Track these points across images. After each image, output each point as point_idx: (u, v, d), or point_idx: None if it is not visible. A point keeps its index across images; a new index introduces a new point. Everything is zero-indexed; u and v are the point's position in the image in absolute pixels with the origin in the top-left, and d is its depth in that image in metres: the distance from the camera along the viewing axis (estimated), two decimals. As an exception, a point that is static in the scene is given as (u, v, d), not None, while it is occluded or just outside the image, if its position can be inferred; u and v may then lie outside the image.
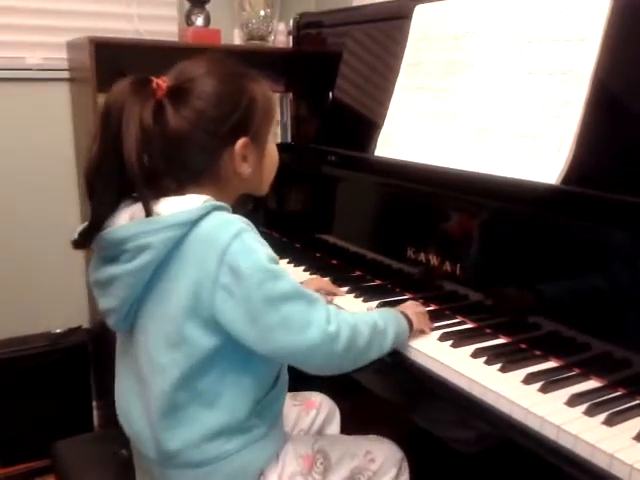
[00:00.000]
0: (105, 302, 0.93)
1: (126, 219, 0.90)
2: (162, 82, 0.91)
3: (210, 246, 0.86)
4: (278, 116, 1.01)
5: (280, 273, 0.89)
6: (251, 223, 0.91)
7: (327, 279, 1.36)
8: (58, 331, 2.08)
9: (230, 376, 0.92)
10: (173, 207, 0.88)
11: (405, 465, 1.13)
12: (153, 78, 0.91)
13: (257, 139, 0.97)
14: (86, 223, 0.92)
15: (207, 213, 0.88)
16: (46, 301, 2.14)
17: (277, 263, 0.90)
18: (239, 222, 0.89)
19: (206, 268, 0.85)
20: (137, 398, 0.96)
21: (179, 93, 0.91)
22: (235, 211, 0.93)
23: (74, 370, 2.05)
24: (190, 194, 0.91)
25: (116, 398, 1.02)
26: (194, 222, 0.87)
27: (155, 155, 0.90)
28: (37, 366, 1.98)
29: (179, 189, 0.93)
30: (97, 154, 0.89)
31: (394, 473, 1.11)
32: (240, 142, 0.94)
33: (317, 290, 1.28)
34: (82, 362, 2.08)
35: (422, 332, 1.11)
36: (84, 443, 1.35)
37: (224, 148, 0.94)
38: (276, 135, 1.05)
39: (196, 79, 0.92)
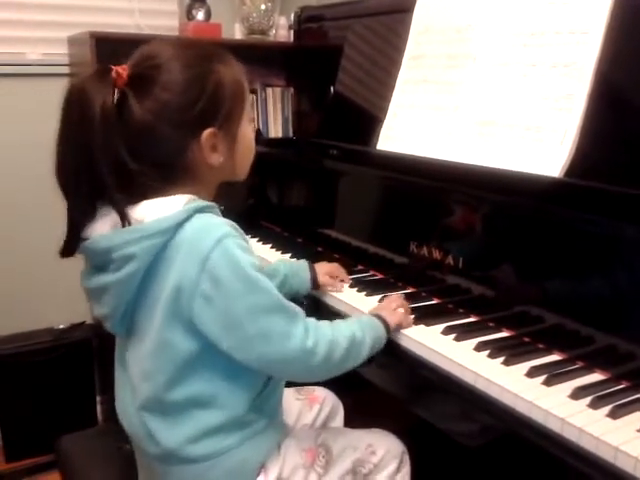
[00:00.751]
0: (99, 309, 0.92)
1: (109, 226, 0.88)
2: (122, 70, 0.87)
3: (191, 252, 0.84)
4: (251, 98, 0.95)
5: (261, 284, 0.88)
6: (237, 226, 0.90)
7: (337, 264, 1.36)
8: (62, 327, 2.08)
9: (221, 377, 0.92)
10: (154, 211, 0.86)
11: (406, 458, 1.14)
12: (112, 67, 0.87)
13: (227, 127, 0.93)
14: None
15: (189, 217, 0.86)
16: (50, 297, 2.14)
17: (260, 271, 0.89)
18: (223, 226, 0.87)
19: (187, 274, 0.84)
20: (131, 399, 0.95)
21: (141, 82, 0.87)
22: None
23: (78, 365, 2.06)
24: (169, 194, 0.89)
25: (115, 398, 1.02)
26: (176, 227, 0.85)
27: (121, 150, 0.85)
28: (41, 362, 1.99)
29: (157, 189, 0.89)
30: (62, 152, 0.87)
31: (395, 466, 1.11)
32: (206, 133, 0.90)
33: (326, 274, 1.30)
34: (86, 357, 2.09)
35: (400, 326, 1.10)
36: (88, 438, 1.35)
37: (190, 140, 0.90)
38: (253, 119, 1.01)
39: (159, 66, 0.87)
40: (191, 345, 0.88)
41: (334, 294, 1.28)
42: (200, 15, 2.07)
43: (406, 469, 1.13)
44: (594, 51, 1.07)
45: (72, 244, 0.90)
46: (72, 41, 1.98)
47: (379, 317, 1.08)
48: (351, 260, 1.46)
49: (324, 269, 1.31)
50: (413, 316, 1.14)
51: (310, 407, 1.25)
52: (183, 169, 0.91)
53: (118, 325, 0.92)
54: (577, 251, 1.01)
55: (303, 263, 1.30)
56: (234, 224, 0.90)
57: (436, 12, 1.40)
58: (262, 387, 0.98)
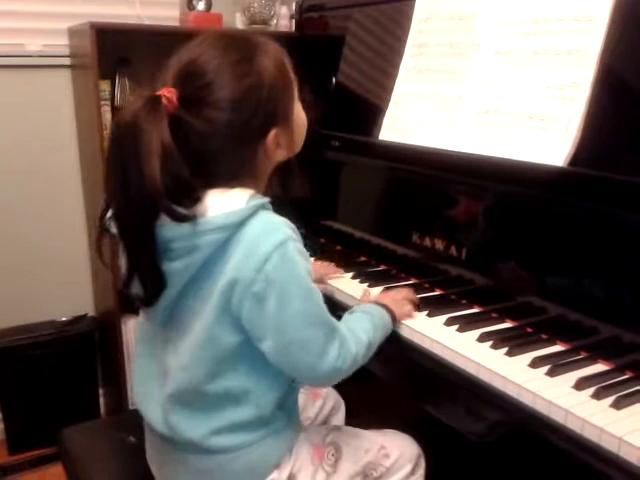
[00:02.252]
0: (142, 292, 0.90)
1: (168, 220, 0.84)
2: (169, 94, 0.83)
3: (252, 251, 0.83)
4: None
5: (314, 293, 0.88)
6: (295, 227, 0.89)
7: (332, 264, 1.35)
8: (64, 319, 2.08)
9: (256, 373, 0.92)
10: (216, 206, 0.85)
11: (422, 461, 1.12)
12: (160, 94, 0.83)
13: (285, 119, 0.92)
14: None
15: (254, 213, 0.85)
16: (52, 289, 2.14)
17: (312, 278, 0.89)
18: (285, 228, 0.86)
19: (243, 272, 0.83)
20: (158, 388, 0.95)
21: (195, 104, 0.84)
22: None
23: (80, 358, 2.06)
24: (232, 190, 0.87)
25: (134, 383, 1.02)
26: (240, 223, 0.84)
27: (181, 171, 0.81)
28: (43, 354, 1.99)
29: (218, 187, 0.88)
30: (117, 188, 0.83)
31: (409, 469, 1.10)
32: (271, 135, 0.89)
33: (320, 277, 1.28)
34: (88, 350, 2.09)
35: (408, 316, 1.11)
36: (91, 430, 1.35)
37: (256, 146, 0.90)
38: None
39: (210, 84, 0.84)
40: (235, 339, 0.88)
41: (339, 287, 1.27)
42: (201, 5, 2.05)
43: (420, 472, 1.12)
44: (598, 38, 1.06)
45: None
46: (72, 32, 1.97)
47: (387, 309, 1.07)
48: (353, 251, 1.46)
49: (319, 271, 1.29)
50: (422, 311, 1.13)
51: (313, 401, 1.26)
52: (246, 172, 0.90)
53: (160, 313, 0.91)
54: (581, 241, 1.00)
55: None
56: (292, 225, 0.88)
57: (439, 0, 1.38)
58: (289, 385, 0.98)
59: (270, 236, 0.84)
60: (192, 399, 0.92)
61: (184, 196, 0.83)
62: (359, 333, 0.98)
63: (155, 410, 0.96)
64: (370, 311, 1.06)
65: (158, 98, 0.82)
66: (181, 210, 0.81)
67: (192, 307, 0.89)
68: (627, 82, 1.07)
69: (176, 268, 0.85)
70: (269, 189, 0.97)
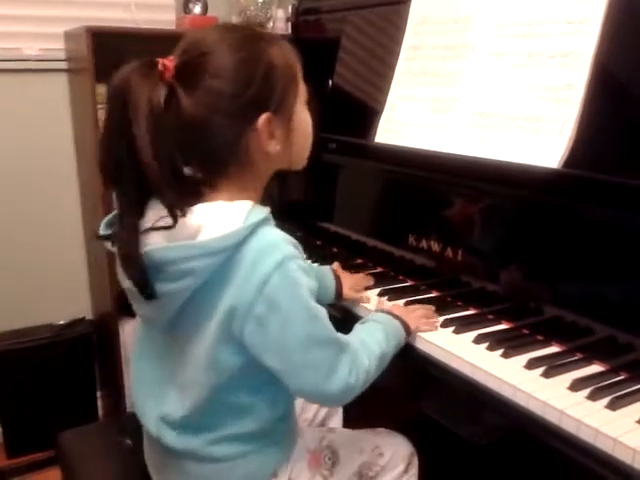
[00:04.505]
0: (143, 310, 0.90)
1: (161, 236, 0.82)
2: (169, 62, 0.83)
3: (252, 273, 0.80)
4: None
5: (319, 314, 0.85)
6: (297, 242, 0.86)
7: (361, 274, 1.29)
8: (62, 322, 2.08)
9: (261, 389, 0.91)
10: (213, 219, 0.81)
11: (415, 459, 1.13)
12: (159, 59, 0.83)
13: (282, 110, 0.87)
14: (110, 216, 0.86)
15: (252, 232, 0.81)
16: (49, 293, 2.14)
17: (315, 294, 0.86)
18: (284, 246, 0.83)
19: (243, 295, 0.81)
20: (156, 398, 0.94)
21: (189, 72, 0.82)
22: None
23: (78, 361, 2.06)
24: (223, 192, 0.85)
25: (133, 387, 1.00)
26: (238, 244, 0.81)
27: (172, 146, 0.81)
28: (41, 358, 1.99)
29: (210, 188, 0.86)
30: (106, 147, 0.81)
31: (402, 468, 1.10)
32: (262, 118, 0.85)
33: (351, 288, 1.22)
34: (86, 353, 2.09)
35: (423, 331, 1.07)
36: (89, 433, 1.35)
37: (246, 127, 0.85)
38: (308, 102, 0.96)
39: (206, 53, 0.83)
40: (238, 361, 0.86)
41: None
42: (197, 9, 2.06)
43: (413, 471, 1.12)
44: (592, 40, 1.06)
45: (127, 236, 0.81)
46: (69, 36, 1.97)
47: (400, 320, 1.04)
48: (350, 254, 1.46)
49: (349, 282, 1.24)
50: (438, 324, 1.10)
51: (311, 403, 1.25)
52: (237, 161, 0.86)
53: (160, 325, 0.90)
54: (575, 242, 1.01)
55: (328, 273, 1.23)
56: (294, 240, 0.86)
57: (434, 2, 1.38)
58: (292, 398, 0.98)
59: (269, 256, 0.81)
60: (194, 413, 0.90)
61: (181, 186, 0.81)
62: (371, 345, 0.95)
63: (152, 418, 0.95)
64: (382, 320, 1.03)
65: (154, 62, 0.82)
66: (172, 195, 0.78)
67: (193, 325, 0.86)
68: (621, 84, 1.08)
69: (172, 289, 0.82)
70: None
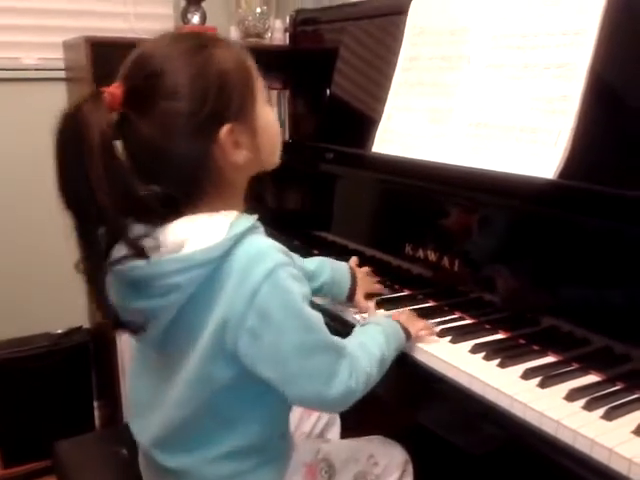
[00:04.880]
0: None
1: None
2: (115, 89, 0.79)
3: (241, 284, 0.79)
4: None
5: (313, 320, 0.84)
6: (286, 249, 0.84)
7: (378, 285, 1.27)
8: (59, 331, 2.08)
9: (253, 402, 0.89)
10: (196, 233, 0.80)
11: (409, 467, 1.12)
12: (104, 89, 0.78)
13: (243, 116, 0.84)
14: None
15: (238, 241, 0.80)
16: (46, 302, 2.14)
17: (310, 300, 0.85)
18: (273, 253, 0.81)
19: (234, 308, 0.79)
20: (148, 418, 0.93)
21: (138, 97, 0.79)
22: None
23: (75, 370, 2.06)
24: (202, 210, 0.83)
25: (130, 404, 0.99)
26: (223, 256, 0.79)
27: (129, 178, 0.78)
28: (38, 367, 1.98)
29: (187, 207, 0.83)
30: (63, 185, 0.80)
31: (397, 475, 1.09)
32: (223, 131, 0.81)
33: (365, 292, 1.21)
34: (83, 362, 2.09)
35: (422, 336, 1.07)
36: (85, 443, 1.34)
37: (208, 145, 0.81)
38: (269, 99, 0.91)
39: (155, 73, 0.78)
40: (230, 372, 0.84)
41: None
42: (195, 19, 2.07)
43: (408, 479, 1.11)
44: (587, 52, 1.07)
45: (94, 263, 0.80)
46: (67, 46, 1.98)
47: (400, 324, 1.03)
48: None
49: (365, 287, 1.22)
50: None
51: (308, 415, 1.24)
52: (208, 179, 0.83)
53: (150, 342, 0.89)
54: (571, 252, 1.01)
55: (346, 273, 1.21)
56: (284, 248, 0.84)
57: (431, 14, 1.40)
58: (286, 412, 0.97)
59: (258, 265, 0.79)
60: (185, 429, 0.89)
61: (139, 211, 0.79)
62: (371, 348, 0.94)
63: (145, 437, 0.94)
64: (382, 323, 1.02)
65: (100, 93, 0.78)
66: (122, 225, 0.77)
67: (184, 341, 0.84)
68: (616, 95, 1.08)
69: (160, 306, 0.81)
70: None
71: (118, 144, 0.80)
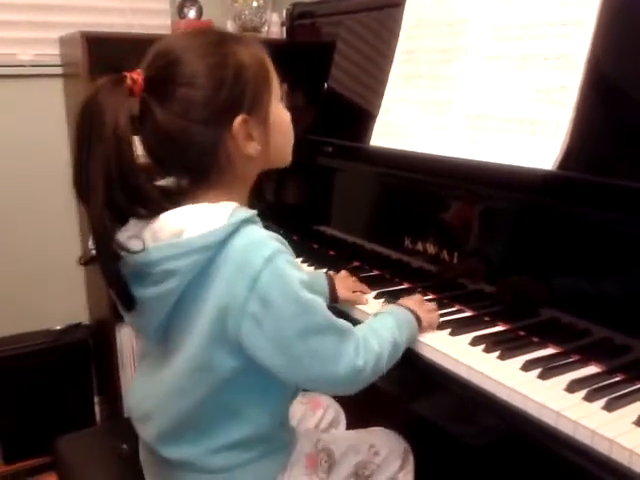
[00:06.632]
0: (131, 317, 0.90)
1: (147, 238, 0.82)
2: (137, 76, 0.82)
3: (240, 271, 0.80)
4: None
5: (313, 304, 0.84)
6: (282, 239, 0.85)
7: (354, 278, 1.28)
8: (59, 328, 2.08)
9: (256, 391, 0.90)
10: (195, 220, 0.81)
11: (410, 457, 1.13)
12: (126, 74, 0.82)
13: (257, 110, 0.87)
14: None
15: (236, 230, 0.81)
16: (46, 298, 2.14)
17: (310, 287, 0.85)
18: (271, 242, 0.82)
19: (235, 294, 0.80)
20: (156, 407, 0.93)
21: (159, 84, 0.82)
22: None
23: (75, 366, 2.06)
24: (207, 198, 0.84)
25: (133, 401, 1.00)
26: (222, 243, 0.80)
27: (150, 158, 0.82)
28: (38, 363, 1.98)
29: (193, 196, 0.86)
30: (78, 166, 0.80)
31: (398, 465, 1.10)
32: (237, 121, 0.84)
33: (347, 289, 1.21)
34: (83, 358, 2.08)
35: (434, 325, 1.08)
36: (86, 439, 1.34)
37: (221, 133, 0.84)
38: (283, 99, 0.95)
39: (174, 62, 0.82)
40: (233, 363, 0.85)
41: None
42: (192, 13, 2.06)
43: (409, 468, 1.12)
44: (586, 42, 1.06)
45: (103, 252, 0.80)
46: (64, 41, 1.97)
47: (411, 311, 1.04)
48: (346, 256, 1.46)
49: (344, 283, 1.23)
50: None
51: (313, 412, 1.25)
52: (218, 167, 0.86)
53: (152, 334, 0.90)
54: (571, 244, 1.01)
55: (321, 277, 1.22)
56: (280, 237, 0.85)
57: (428, 6, 1.39)
58: (289, 402, 0.98)
59: (257, 252, 0.80)
60: (188, 420, 0.90)
61: (150, 196, 0.81)
62: (382, 332, 0.95)
63: (149, 431, 0.95)
64: (393, 311, 1.03)
65: (122, 77, 0.81)
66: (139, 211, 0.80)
67: (181, 330, 0.86)
68: (615, 86, 1.08)
69: (158, 293, 0.82)
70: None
71: (136, 139, 0.82)
